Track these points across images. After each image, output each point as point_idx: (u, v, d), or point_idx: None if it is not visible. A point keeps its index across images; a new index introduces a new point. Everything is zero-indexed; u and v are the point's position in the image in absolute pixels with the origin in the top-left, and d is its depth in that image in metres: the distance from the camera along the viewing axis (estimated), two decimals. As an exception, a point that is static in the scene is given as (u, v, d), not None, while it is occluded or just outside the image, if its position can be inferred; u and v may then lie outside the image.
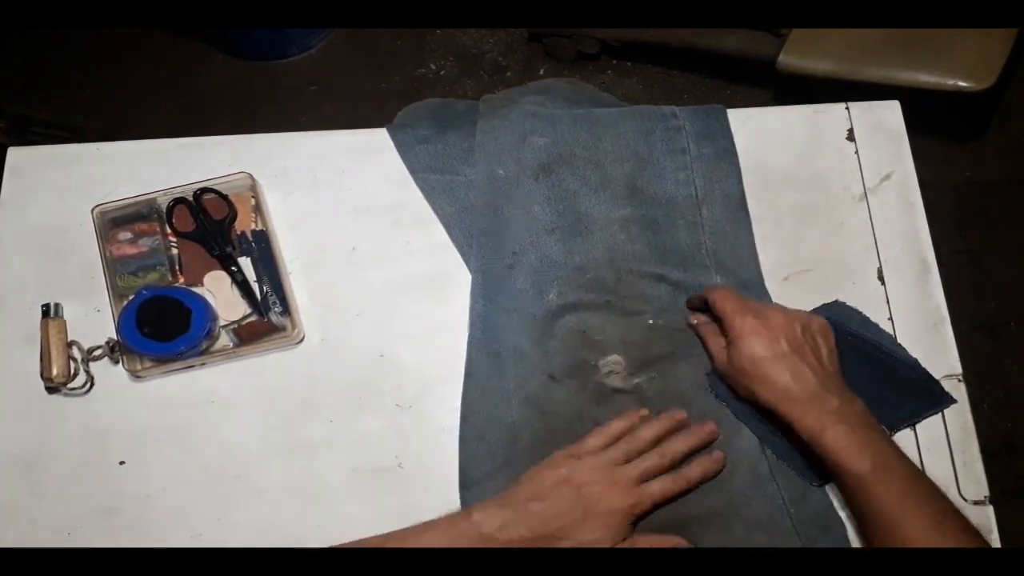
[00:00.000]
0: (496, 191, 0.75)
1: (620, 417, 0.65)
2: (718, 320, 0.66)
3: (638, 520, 0.62)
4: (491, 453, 0.67)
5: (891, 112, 0.79)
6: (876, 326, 0.70)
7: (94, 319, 0.72)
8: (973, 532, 0.54)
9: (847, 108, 0.79)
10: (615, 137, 0.76)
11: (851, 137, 0.78)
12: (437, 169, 0.77)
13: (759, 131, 0.78)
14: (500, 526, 0.59)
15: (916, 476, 0.57)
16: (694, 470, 0.63)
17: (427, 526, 0.61)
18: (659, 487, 0.62)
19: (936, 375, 0.68)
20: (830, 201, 0.76)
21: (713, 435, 0.65)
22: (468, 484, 0.66)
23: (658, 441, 0.64)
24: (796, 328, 0.63)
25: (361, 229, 0.76)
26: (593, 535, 0.59)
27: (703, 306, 0.68)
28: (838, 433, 0.57)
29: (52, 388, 0.70)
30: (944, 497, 0.56)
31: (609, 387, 0.68)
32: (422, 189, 0.76)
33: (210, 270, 0.73)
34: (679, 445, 0.64)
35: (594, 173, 0.75)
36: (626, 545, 0.61)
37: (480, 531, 0.59)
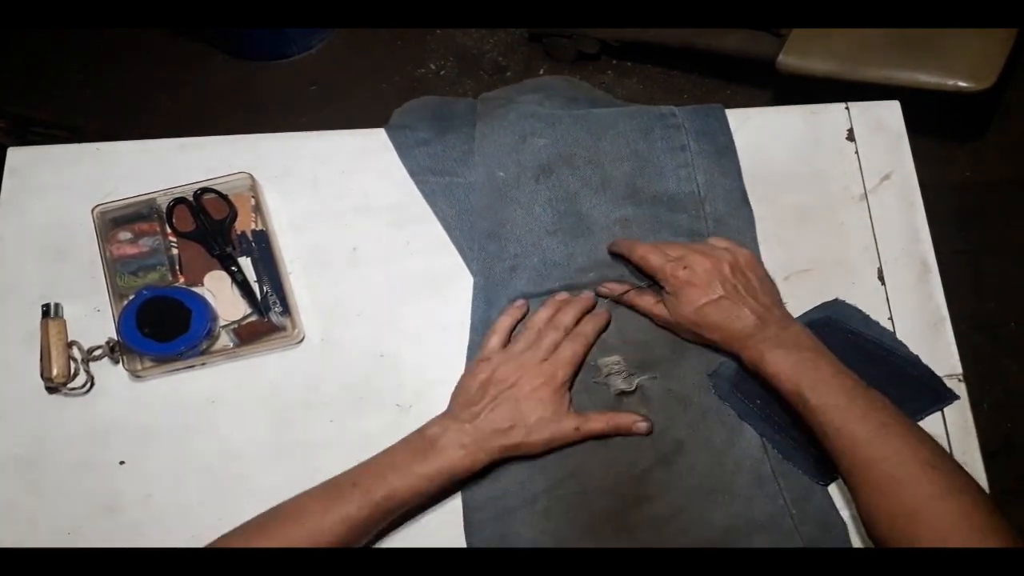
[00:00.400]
0: (496, 193, 0.75)
1: (504, 314, 0.70)
2: (646, 275, 0.69)
3: (571, 389, 0.67)
4: None
5: (891, 112, 0.79)
6: (877, 324, 0.70)
7: (94, 319, 0.72)
8: (918, 434, 0.56)
9: (847, 108, 0.79)
10: (615, 137, 0.76)
11: (851, 137, 0.78)
12: (437, 171, 0.77)
13: (759, 131, 0.78)
14: (455, 439, 0.62)
15: (854, 389, 0.59)
16: (585, 326, 0.68)
17: (387, 451, 0.63)
18: (565, 351, 0.66)
19: (937, 375, 0.68)
20: (830, 201, 0.76)
21: (591, 301, 0.70)
22: (468, 485, 0.66)
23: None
24: (725, 269, 0.66)
25: (361, 229, 0.76)
26: (534, 415, 0.63)
27: (620, 262, 0.72)
28: (776, 357, 0.61)
29: (52, 388, 0.70)
30: (887, 407, 0.58)
31: (614, 389, 0.68)
32: (422, 192, 0.76)
33: (210, 270, 0.73)
34: (566, 316, 0.68)
35: (594, 173, 0.75)
36: (581, 424, 0.64)
37: (436, 444, 0.62)
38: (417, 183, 0.77)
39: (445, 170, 0.77)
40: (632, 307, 0.70)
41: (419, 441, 0.63)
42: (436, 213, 0.76)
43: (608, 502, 0.64)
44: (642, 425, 0.66)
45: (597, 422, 0.65)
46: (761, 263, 0.70)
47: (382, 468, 0.62)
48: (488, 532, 0.64)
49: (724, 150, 0.76)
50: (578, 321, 0.69)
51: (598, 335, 0.69)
